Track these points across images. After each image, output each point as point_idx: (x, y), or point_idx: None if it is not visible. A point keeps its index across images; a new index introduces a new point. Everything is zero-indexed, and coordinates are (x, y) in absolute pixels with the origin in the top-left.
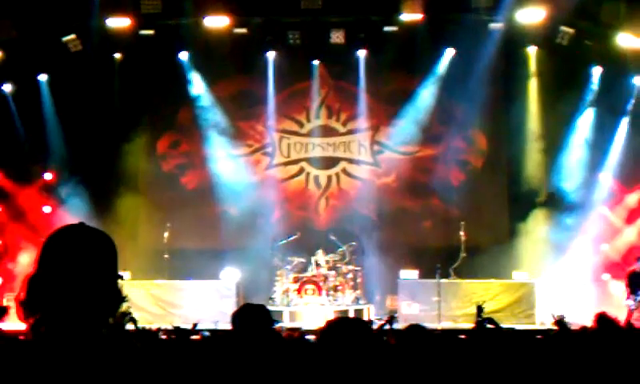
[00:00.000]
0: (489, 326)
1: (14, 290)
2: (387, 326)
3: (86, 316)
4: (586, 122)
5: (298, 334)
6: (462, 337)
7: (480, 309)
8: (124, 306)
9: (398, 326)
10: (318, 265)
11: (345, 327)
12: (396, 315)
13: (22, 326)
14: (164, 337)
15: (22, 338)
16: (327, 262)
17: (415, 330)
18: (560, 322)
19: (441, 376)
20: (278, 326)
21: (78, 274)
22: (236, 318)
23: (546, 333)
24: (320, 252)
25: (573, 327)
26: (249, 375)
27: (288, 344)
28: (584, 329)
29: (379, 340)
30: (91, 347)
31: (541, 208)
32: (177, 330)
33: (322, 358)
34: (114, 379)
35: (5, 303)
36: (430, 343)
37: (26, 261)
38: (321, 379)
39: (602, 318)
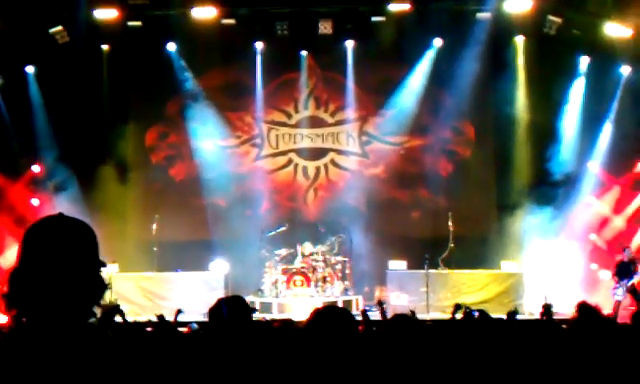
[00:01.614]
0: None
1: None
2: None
3: (68, 306)
4: (573, 111)
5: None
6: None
7: (458, 307)
8: (112, 299)
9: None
10: (304, 256)
11: (332, 315)
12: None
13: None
14: (149, 329)
15: (5, 330)
16: (315, 253)
17: (400, 320)
18: (547, 309)
19: (425, 364)
20: (260, 317)
21: (59, 265)
22: (213, 312)
23: (533, 322)
24: (307, 243)
25: (558, 317)
26: (235, 366)
27: (276, 333)
28: (572, 319)
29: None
30: (75, 338)
31: (529, 198)
32: (160, 320)
33: (310, 346)
34: (100, 370)
35: None
36: (416, 333)
37: (13, 255)
38: (308, 367)
39: (583, 307)
